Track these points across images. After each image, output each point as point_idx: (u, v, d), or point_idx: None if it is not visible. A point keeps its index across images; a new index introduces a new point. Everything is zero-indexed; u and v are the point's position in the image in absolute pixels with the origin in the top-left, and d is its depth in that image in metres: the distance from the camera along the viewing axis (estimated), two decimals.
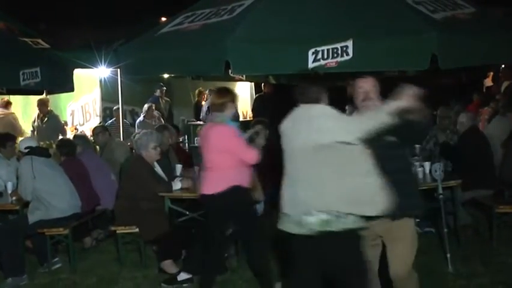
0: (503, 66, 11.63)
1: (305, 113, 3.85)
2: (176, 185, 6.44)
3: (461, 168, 6.81)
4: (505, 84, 11.62)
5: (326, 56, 5.50)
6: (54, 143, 8.98)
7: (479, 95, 11.77)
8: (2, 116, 10.83)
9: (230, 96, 5.23)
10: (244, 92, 15.23)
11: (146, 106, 11.83)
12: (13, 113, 11.16)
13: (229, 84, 14.43)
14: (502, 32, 6.27)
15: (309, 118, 3.78)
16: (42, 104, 10.71)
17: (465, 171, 6.70)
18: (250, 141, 5.37)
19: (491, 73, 12.50)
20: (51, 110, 10.99)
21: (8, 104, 11.01)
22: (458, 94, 12.38)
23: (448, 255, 5.84)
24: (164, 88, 13.13)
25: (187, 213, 6.54)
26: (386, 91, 4.20)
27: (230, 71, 5.85)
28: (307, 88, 3.92)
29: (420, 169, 6.46)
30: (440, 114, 7.92)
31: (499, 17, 7.39)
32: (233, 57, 5.61)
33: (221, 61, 5.64)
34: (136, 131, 11.14)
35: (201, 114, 12.83)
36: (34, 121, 10.95)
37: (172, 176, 6.73)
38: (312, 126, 3.73)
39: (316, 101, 3.87)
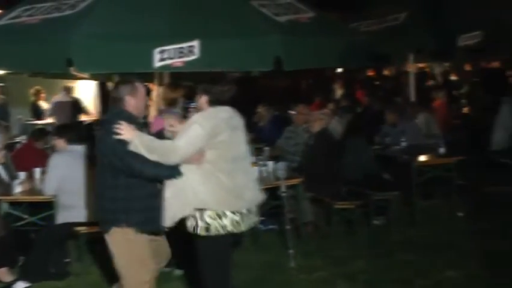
0: (339, 70, 12.37)
1: None
2: (17, 188, 6.09)
3: (310, 167, 7.04)
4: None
5: (172, 55, 5.47)
6: None
7: (321, 97, 12.29)
8: None
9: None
10: (88, 91, 14.72)
11: None
12: None
13: (70, 82, 14.01)
14: (340, 36, 6.61)
15: None
16: None
17: (313, 170, 6.93)
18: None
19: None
20: None
21: None
22: (298, 95, 12.92)
23: (290, 251, 6.04)
24: (2, 84, 12.36)
25: (26, 217, 6.20)
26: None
27: (72, 68, 5.63)
28: None
29: (264, 168, 6.61)
30: (298, 111, 8.15)
31: (336, 22, 7.78)
32: (76, 55, 5.40)
33: (62, 58, 5.41)
34: None
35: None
36: None
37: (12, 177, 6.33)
38: None
39: None
